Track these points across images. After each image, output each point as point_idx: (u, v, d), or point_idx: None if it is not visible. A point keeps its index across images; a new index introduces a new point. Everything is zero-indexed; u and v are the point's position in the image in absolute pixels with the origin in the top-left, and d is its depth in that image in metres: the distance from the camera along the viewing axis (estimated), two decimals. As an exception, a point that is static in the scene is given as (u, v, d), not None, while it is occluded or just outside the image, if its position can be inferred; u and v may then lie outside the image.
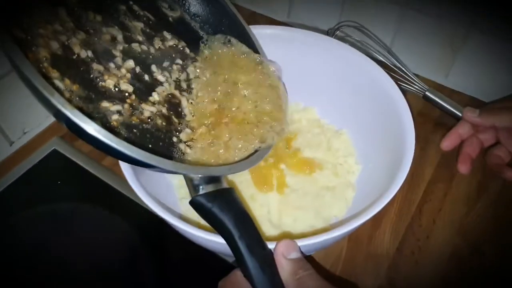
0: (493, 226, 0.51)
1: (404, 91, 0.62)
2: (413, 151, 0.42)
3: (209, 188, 0.38)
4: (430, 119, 0.62)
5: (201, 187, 0.38)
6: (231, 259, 0.46)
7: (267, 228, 0.47)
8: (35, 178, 0.55)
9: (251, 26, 0.53)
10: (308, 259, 0.47)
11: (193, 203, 0.38)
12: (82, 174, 0.55)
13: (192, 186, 0.38)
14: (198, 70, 0.45)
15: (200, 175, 0.38)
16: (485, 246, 0.50)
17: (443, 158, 0.58)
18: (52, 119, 0.61)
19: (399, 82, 0.61)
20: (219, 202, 0.37)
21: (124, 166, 0.40)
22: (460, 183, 0.55)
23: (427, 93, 0.61)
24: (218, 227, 0.36)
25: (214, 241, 0.36)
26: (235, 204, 0.38)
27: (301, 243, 0.37)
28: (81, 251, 0.49)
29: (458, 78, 0.66)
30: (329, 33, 0.66)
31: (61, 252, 0.49)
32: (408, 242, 0.50)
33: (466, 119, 0.55)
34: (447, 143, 0.56)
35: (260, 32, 0.52)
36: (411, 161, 0.41)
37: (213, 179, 0.39)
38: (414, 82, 0.62)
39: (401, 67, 0.62)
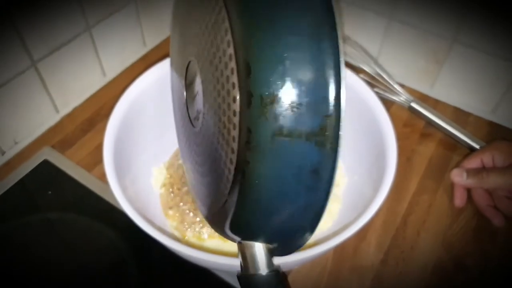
0: (476, 238, 0.52)
1: (390, 103, 0.64)
2: (395, 166, 0.43)
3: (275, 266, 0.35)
4: (416, 130, 0.63)
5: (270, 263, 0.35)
6: (215, 270, 0.47)
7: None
8: (26, 187, 0.55)
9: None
10: (293, 271, 0.49)
11: (258, 279, 0.34)
12: (71, 184, 0.56)
13: (253, 260, 0.34)
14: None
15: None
16: (467, 258, 0.51)
17: (428, 169, 0.59)
18: (42, 129, 0.62)
19: (385, 94, 0.63)
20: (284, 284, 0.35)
21: (112, 184, 0.41)
22: (444, 194, 0.56)
23: (412, 104, 0.62)
24: None
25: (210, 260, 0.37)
26: None
27: (286, 259, 0.37)
28: (69, 260, 0.50)
29: (442, 89, 0.67)
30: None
31: (49, 260, 0.49)
32: (392, 254, 0.51)
33: (455, 183, 0.55)
34: (458, 201, 0.55)
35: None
36: (393, 176, 0.42)
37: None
38: (400, 93, 0.63)
39: (386, 78, 0.63)
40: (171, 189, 0.51)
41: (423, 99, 0.66)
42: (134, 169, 0.48)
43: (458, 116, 0.65)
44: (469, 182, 0.53)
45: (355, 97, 0.50)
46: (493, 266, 0.50)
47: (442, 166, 0.59)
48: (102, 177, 0.56)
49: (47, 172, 0.57)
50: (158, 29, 0.75)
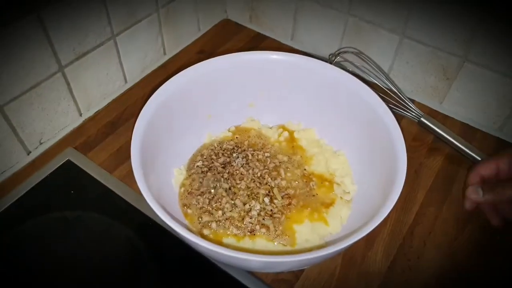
0: (480, 250, 0.54)
1: (400, 117, 0.66)
2: (404, 176, 0.45)
3: None
4: (424, 144, 0.65)
5: None
6: (230, 270, 0.50)
7: (263, 243, 0.51)
8: (50, 186, 0.58)
9: (257, 51, 0.57)
10: (303, 275, 0.51)
11: None
12: (93, 184, 0.58)
13: None
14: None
15: None
16: (472, 269, 0.52)
17: (436, 182, 0.61)
18: (66, 131, 0.65)
19: (396, 108, 0.65)
20: None
21: (139, 181, 0.44)
22: (450, 207, 0.58)
23: (422, 119, 0.65)
24: None
25: (223, 253, 0.40)
26: None
27: (298, 258, 0.39)
28: (89, 256, 0.52)
29: (451, 105, 0.69)
30: (330, 58, 0.70)
31: (70, 257, 0.52)
32: (399, 262, 0.53)
33: (472, 201, 0.55)
34: (469, 204, 0.56)
35: (267, 57, 0.56)
36: (402, 185, 0.44)
37: None
38: (410, 108, 0.65)
39: (398, 92, 0.65)
40: (189, 189, 0.54)
41: (433, 114, 0.68)
42: (157, 169, 0.51)
43: (466, 131, 0.67)
44: (486, 198, 0.54)
45: (370, 111, 0.52)
46: (496, 278, 0.52)
47: (449, 179, 0.61)
48: (123, 179, 0.59)
49: (70, 172, 0.59)
50: (177, 39, 0.78)
